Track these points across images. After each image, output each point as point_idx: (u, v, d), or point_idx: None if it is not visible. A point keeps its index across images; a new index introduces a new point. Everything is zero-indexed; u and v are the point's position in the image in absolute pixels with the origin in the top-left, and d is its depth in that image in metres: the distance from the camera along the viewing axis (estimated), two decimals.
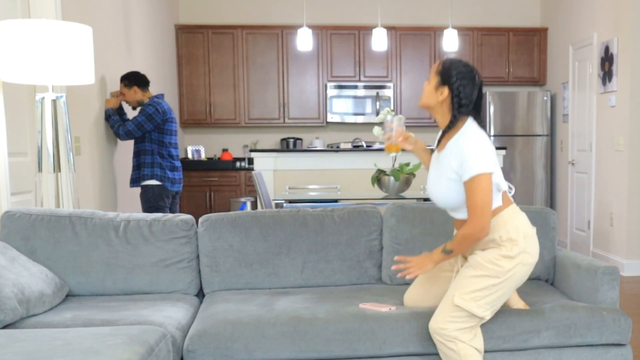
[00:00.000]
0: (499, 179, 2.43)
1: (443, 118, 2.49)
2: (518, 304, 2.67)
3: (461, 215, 2.49)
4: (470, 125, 2.46)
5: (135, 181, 4.72)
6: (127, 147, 5.15)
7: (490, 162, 2.37)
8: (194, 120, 7.52)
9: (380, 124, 4.90)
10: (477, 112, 2.51)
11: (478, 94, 2.48)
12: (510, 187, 2.62)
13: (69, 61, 3.01)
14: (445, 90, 2.44)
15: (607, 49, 5.93)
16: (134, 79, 4.65)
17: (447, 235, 3.06)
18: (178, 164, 4.89)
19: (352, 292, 2.87)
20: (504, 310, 2.56)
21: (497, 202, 2.47)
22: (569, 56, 6.93)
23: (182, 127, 7.62)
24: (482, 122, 2.50)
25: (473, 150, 2.35)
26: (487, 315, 2.42)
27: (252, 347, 2.41)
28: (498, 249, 2.43)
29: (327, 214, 3.09)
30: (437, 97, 2.47)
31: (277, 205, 4.35)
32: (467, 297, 2.38)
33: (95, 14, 4.43)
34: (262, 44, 7.48)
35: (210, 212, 4.47)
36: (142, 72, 5.70)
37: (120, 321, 2.43)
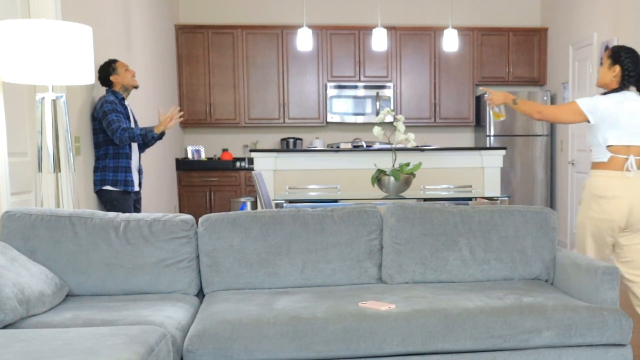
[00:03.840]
0: (605, 133, 3.20)
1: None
2: None
3: (594, 159, 3.29)
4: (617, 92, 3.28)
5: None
6: None
7: (585, 100, 3.25)
8: (194, 120, 7.52)
9: (381, 124, 4.89)
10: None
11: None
12: (633, 166, 3.19)
13: (69, 61, 3.01)
14: (617, 68, 3.27)
15: (607, 49, 5.93)
16: None
17: (447, 235, 3.06)
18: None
19: (352, 291, 2.87)
20: (505, 309, 2.56)
21: (598, 156, 3.26)
22: (569, 56, 6.93)
23: (182, 127, 7.62)
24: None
25: (586, 98, 3.30)
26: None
27: (252, 347, 2.41)
28: None
29: (327, 214, 3.08)
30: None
31: (277, 205, 4.34)
32: None
33: (95, 14, 4.44)
34: (262, 44, 7.48)
35: (210, 212, 4.47)
36: (142, 72, 5.71)
37: (120, 321, 2.42)
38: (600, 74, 3.37)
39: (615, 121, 3.18)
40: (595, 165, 3.30)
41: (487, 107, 3.70)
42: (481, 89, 3.64)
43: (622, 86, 3.26)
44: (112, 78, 4.32)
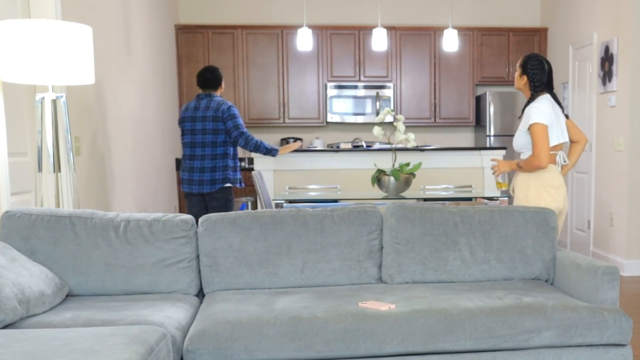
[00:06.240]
0: (551, 135, 3.44)
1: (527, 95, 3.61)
2: None
3: (524, 156, 3.56)
4: (540, 99, 3.49)
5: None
6: (125, 147, 5.15)
7: (541, 116, 3.39)
8: None
9: (381, 124, 4.90)
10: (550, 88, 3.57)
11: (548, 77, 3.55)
12: (564, 159, 3.60)
13: (69, 61, 3.01)
14: (525, 78, 3.56)
15: (607, 49, 5.93)
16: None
17: (447, 235, 3.06)
18: (193, 163, 4.72)
19: (352, 291, 2.87)
20: (505, 309, 2.56)
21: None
22: (569, 56, 6.93)
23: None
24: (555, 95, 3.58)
25: (533, 110, 3.42)
26: None
27: (252, 347, 2.41)
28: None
29: (327, 214, 3.09)
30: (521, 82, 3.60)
31: (277, 205, 4.35)
32: None
33: (95, 14, 4.44)
34: (262, 44, 7.48)
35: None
36: (142, 72, 5.71)
37: (120, 321, 2.42)
38: (515, 80, 3.64)
39: (552, 123, 3.45)
40: None
41: (493, 176, 3.99)
42: (491, 160, 3.81)
43: (535, 93, 3.53)
44: (222, 83, 4.80)
